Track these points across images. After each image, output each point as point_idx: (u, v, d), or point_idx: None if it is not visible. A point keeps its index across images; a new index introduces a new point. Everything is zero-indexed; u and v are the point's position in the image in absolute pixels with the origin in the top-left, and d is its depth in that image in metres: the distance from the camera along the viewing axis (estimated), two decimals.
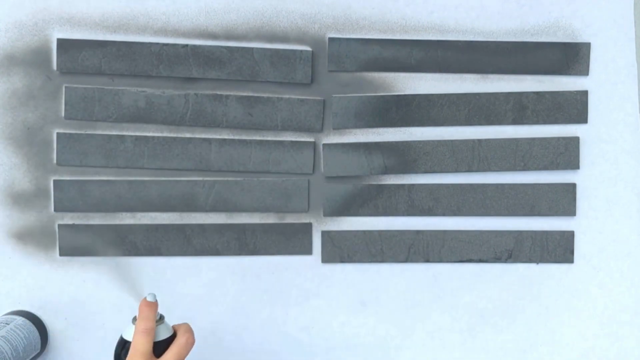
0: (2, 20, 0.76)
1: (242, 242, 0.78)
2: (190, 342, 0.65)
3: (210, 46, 0.76)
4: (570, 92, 0.78)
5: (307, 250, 0.78)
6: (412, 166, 0.78)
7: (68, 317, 0.78)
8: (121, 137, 0.77)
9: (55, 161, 0.77)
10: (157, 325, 0.65)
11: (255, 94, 0.77)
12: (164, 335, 0.65)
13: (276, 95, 0.77)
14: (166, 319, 0.66)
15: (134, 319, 0.65)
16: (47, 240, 0.77)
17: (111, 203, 0.77)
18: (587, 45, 0.78)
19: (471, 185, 0.79)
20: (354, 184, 0.78)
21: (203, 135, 0.77)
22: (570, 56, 0.78)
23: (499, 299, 0.80)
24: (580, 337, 0.80)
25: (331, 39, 0.77)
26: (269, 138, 0.78)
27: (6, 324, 0.73)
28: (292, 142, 0.77)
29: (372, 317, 0.80)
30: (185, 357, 0.64)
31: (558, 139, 0.78)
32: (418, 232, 0.79)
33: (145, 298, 0.65)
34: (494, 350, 0.80)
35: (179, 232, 0.78)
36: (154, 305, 0.65)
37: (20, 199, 0.77)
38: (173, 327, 0.66)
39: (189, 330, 0.66)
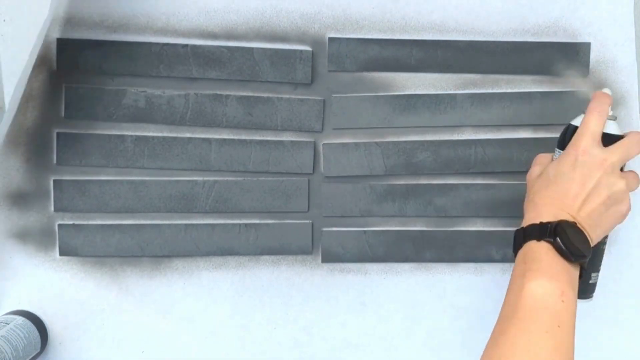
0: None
1: (242, 242, 0.78)
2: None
3: (210, 46, 0.76)
4: (570, 93, 0.78)
5: (307, 250, 0.78)
6: (412, 166, 0.78)
7: (68, 317, 0.78)
8: (121, 137, 0.77)
9: (55, 161, 0.77)
10: (609, 120, 0.64)
11: (255, 94, 0.77)
12: (613, 130, 0.64)
13: (276, 95, 0.77)
14: None
15: (584, 111, 0.65)
16: (47, 240, 0.77)
17: (111, 203, 0.77)
18: (587, 45, 0.78)
19: (471, 185, 0.79)
20: (354, 184, 0.78)
21: (203, 135, 0.77)
22: (570, 56, 0.78)
23: (499, 299, 0.80)
24: (580, 337, 0.80)
25: (331, 39, 0.77)
26: (269, 138, 0.78)
27: (6, 323, 0.73)
28: (292, 142, 0.77)
29: (372, 317, 0.80)
30: (633, 155, 0.63)
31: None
32: (418, 232, 0.79)
33: (601, 90, 0.65)
34: None
35: (179, 232, 0.78)
36: (609, 96, 0.64)
37: (20, 199, 0.77)
38: (624, 133, 0.65)
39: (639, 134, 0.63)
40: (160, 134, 0.77)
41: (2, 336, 0.71)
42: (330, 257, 0.79)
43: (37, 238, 0.77)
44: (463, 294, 0.80)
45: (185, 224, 0.78)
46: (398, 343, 0.80)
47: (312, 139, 0.78)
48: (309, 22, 0.77)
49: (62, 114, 0.76)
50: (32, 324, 0.75)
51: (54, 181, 0.77)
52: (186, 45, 0.76)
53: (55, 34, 0.76)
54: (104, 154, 0.77)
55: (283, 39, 0.77)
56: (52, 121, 0.76)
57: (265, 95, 0.77)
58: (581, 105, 0.78)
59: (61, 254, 0.77)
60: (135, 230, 0.77)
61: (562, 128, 0.79)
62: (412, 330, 0.80)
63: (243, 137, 0.78)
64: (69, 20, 0.76)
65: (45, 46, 0.76)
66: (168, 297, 0.78)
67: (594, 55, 0.78)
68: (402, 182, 0.79)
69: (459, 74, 0.78)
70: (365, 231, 0.79)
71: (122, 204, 0.77)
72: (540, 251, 0.59)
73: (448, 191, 0.79)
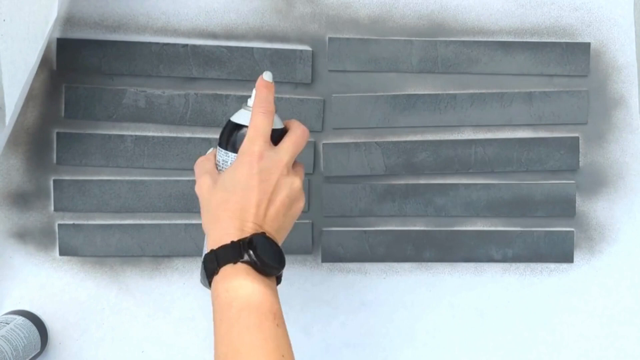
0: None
1: None
2: (306, 134, 0.60)
3: (210, 46, 0.76)
4: (570, 92, 0.78)
5: (307, 250, 0.78)
6: (412, 166, 0.78)
7: (68, 317, 0.78)
8: (121, 137, 0.77)
9: (55, 161, 0.77)
10: None
11: None
12: (278, 125, 0.60)
13: (276, 95, 0.77)
14: None
15: (245, 105, 0.61)
16: (47, 239, 0.77)
17: (111, 203, 0.77)
18: (587, 45, 0.78)
19: (471, 185, 0.79)
20: (354, 184, 0.78)
21: (203, 135, 0.77)
22: (570, 56, 0.78)
23: (499, 299, 0.80)
24: (580, 337, 0.80)
25: (331, 39, 0.77)
26: None
27: (6, 323, 0.73)
28: None
29: (372, 317, 0.80)
30: (301, 149, 0.60)
31: (558, 138, 0.78)
32: (418, 232, 0.79)
33: (261, 77, 0.60)
34: (494, 350, 0.80)
35: (179, 232, 0.78)
36: (272, 86, 0.60)
37: (20, 199, 0.77)
38: (284, 122, 0.62)
39: (302, 124, 0.61)
40: (160, 134, 0.77)
41: (2, 336, 0.71)
42: (330, 257, 0.79)
43: (37, 238, 0.77)
44: (463, 293, 0.80)
45: (185, 224, 0.78)
46: (398, 343, 0.80)
47: (312, 139, 0.78)
48: (308, 22, 0.77)
49: (62, 113, 0.76)
50: (32, 324, 0.75)
51: (54, 181, 0.77)
52: (186, 45, 0.76)
53: (55, 34, 0.76)
54: (104, 153, 0.77)
55: (283, 38, 0.77)
56: (52, 121, 0.76)
57: None
58: (580, 105, 0.78)
59: (61, 253, 0.77)
60: (135, 230, 0.78)
61: (562, 128, 0.79)
62: (412, 330, 0.80)
63: None
64: (69, 20, 0.76)
65: (45, 46, 0.76)
66: (168, 297, 0.79)
67: (593, 55, 0.78)
68: (402, 182, 0.79)
69: (459, 74, 0.78)
70: (365, 231, 0.79)
71: (122, 203, 0.77)
72: (239, 275, 0.54)
73: (448, 191, 0.79)
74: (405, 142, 0.78)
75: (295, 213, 0.60)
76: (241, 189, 0.57)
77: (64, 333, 0.78)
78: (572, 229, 0.79)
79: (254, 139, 0.58)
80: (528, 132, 0.79)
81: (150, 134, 0.77)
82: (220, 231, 0.56)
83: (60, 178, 0.77)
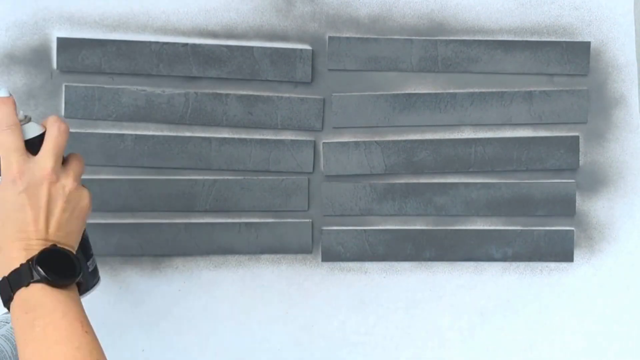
0: (3, 19, 0.76)
1: (242, 241, 0.78)
2: (64, 129, 0.57)
3: (210, 45, 0.76)
4: (570, 92, 0.78)
5: (307, 249, 0.78)
6: (412, 165, 0.78)
7: None
8: (121, 136, 0.77)
9: None
10: (24, 124, 0.57)
11: (255, 93, 0.77)
12: (34, 133, 0.57)
13: (276, 94, 0.77)
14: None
15: None
16: None
17: (111, 202, 0.77)
18: (587, 45, 0.78)
19: (471, 184, 0.79)
20: (354, 183, 0.78)
21: (203, 134, 0.77)
22: (570, 55, 0.78)
23: (499, 299, 0.80)
24: (580, 336, 0.80)
25: (331, 38, 0.77)
26: (269, 137, 0.78)
27: (6, 322, 0.73)
28: (292, 140, 0.77)
29: (372, 316, 0.80)
30: (64, 146, 0.57)
31: (558, 138, 0.78)
32: (418, 231, 0.79)
33: None
34: (494, 350, 0.80)
35: (179, 231, 0.78)
36: (9, 100, 0.56)
37: None
38: (42, 124, 0.58)
39: (58, 120, 0.57)
40: (160, 133, 0.77)
41: (2, 335, 0.71)
42: (330, 256, 0.79)
43: None
44: (463, 292, 0.80)
45: (186, 223, 0.78)
46: (398, 342, 0.80)
47: (312, 138, 0.78)
48: (308, 21, 0.77)
49: (62, 113, 0.76)
50: None
51: None
52: (186, 44, 0.76)
53: (55, 33, 0.76)
54: (104, 152, 0.77)
55: (283, 37, 0.77)
56: None
57: (265, 94, 0.77)
58: (580, 105, 0.78)
59: None
60: (135, 229, 0.78)
61: (562, 127, 0.79)
62: (411, 329, 0.80)
63: (243, 136, 0.78)
64: (69, 20, 0.76)
65: (45, 45, 0.76)
66: (168, 296, 0.79)
67: (594, 54, 0.78)
68: (402, 181, 0.79)
69: (459, 73, 0.78)
70: (365, 230, 0.79)
71: (122, 203, 0.77)
72: (35, 295, 0.53)
73: (448, 190, 0.79)
74: (405, 141, 0.78)
75: (81, 213, 0.58)
76: (13, 211, 0.55)
77: None
78: (572, 228, 0.79)
79: (8, 157, 0.55)
80: (528, 131, 0.79)
81: (150, 133, 0.77)
82: (6, 257, 0.55)
83: None
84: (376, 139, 0.78)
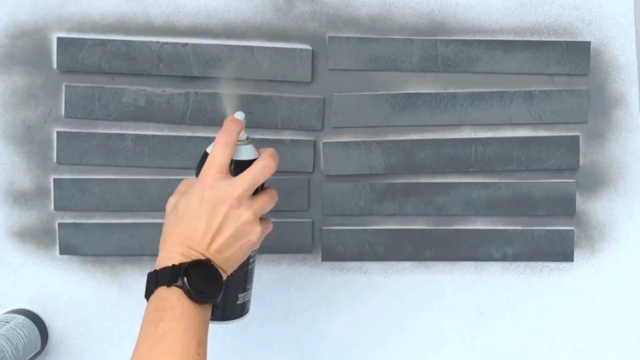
0: (3, 19, 0.76)
1: None
2: (270, 167, 0.60)
3: (210, 45, 0.76)
4: (570, 91, 0.78)
5: (307, 249, 0.78)
6: (412, 165, 0.78)
7: (68, 316, 0.78)
8: (121, 136, 0.77)
9: (55, 160, 0.77)
10: (241, 145, 0.61)
11: (256, 93, 0.77)
12: (246, 156, 0.61)
13: (276, 94, 0.77)
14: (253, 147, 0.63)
15: None
16: (47, 238, 0.77)
17: (111, 202, 0.77)
18: (587, 44, 0.78)
19: (471, 184, 0.79)
20: (354, 183, 0.78)
21: (203, 134, 0.77)
22: (570, 55, 0.78)
23: (499, 299, 0.80)
24: (580, 336, 0.80)
25: (331, 38, 0.77)
26: (269, 137, 0.78)
27: (6, 322, 0.73)
28: (292, 140, 0.77)
29: (372, 316, 0.80)
30: (261, 181, 0.60)
31: (558, 138, 0.78)
32: (418, 231, 0.79)
33: (232, 115, 0.62)
34: (494, 350, 0.80)
35: None
36: (240, 122, 0.61)
37: (21, 198, 0.77)
38: (259, 151, 0.62)
39: (272, 155, 0.61)
40: (160, 133, 0.77)
41: (2, 335, 0.71)
42: (330, 256, 0.79)
43: (37, 237, 0.77)
44: (463, 292, 0.80)
45: None
46: (398, 342, 0.80)
47: (312, 138, 0.78)
48: (309, 21, 0.77)
49: (63, 112, 0.76)
50: (32, 323, 0.75)
51: (54, 180, 0.77)
52: (186, 44, 0.76)
53: (55, 33, 0.76)
54: (104, 152, 0.77)
55: (283, 37, 0.77)
56: (52, 120, 0.77)
57: (265, 94, 0.77)
58: (580, 104, 0.78)
59: (61, 252, 0.77)
60: (135, 229, 0.78)
61: (562, 127, 0.79)
62: (412, 329, 0.80)
63: None
64: (69, 20, 0.76)
65: (45, 45, 0.76)
66: None
67: (594, 54, 0.78)
68: (402, 180, 0.79)
69: (459, 73, 0.78)
70: (365, 230, 0.79)
71: (123, 202, 0.77)
72: (172, 298, 0.56)
73: (448, 190, 0.79)
74: (405, 141, 0.78)
75: (246, 245, 0.60)
76: (189, 217, 0.59)
77: (64, 332, 0.78)
78: (572, 228, 0.79)
79: (208, 169, 0.59)
80: (528, 131, 0.79)
81: (151, 133, 0.77)
82: (165, 253, 0.59)
83: (61, 177, 0.77)
84: (376, 139, 0.78)
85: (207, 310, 0.59)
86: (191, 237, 0.58)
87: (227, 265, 0.60)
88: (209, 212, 0.58)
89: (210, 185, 0.58)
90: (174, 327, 0.55)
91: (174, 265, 0.57)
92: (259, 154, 0.62)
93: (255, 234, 0.60)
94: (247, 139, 0.62)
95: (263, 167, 0.60)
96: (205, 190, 0.58)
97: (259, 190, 0.62)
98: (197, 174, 0.62)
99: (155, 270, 0.58)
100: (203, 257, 0.58)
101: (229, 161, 0.60)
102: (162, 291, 0.57)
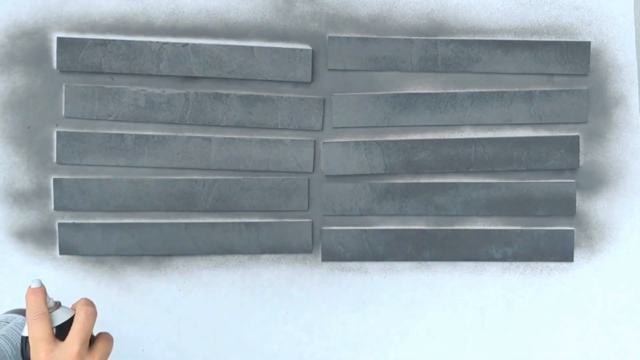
0: (3, 19, 0.76)
1: (242, 241, 0.78)
2: (90, 313, 0.60)
3: (210, 45, 0.76)
4: (570, 92, 0.78)
5: (307, 249, 0.79)
6: (412, 165, 0.78)
7: None
8: (121, 136, 0.77)
9: (55, 160, 0.77)
10: (52, 312, 0.60)
11: (256, 93, 0.77)
12: (63, 318, 0.61)
13: (276, 94, 0.77)
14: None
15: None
16: (47, 238, 0.77)
17: (111, 202, 0.77)
18: (587, 45, 0.78)
19: (471, 184, 0.79)
20: (354, 183, 0.78)
21: (203, 134, 0.77)
22: (570, 55, 0.78)
23: (499, 299, 0.80)
24: (580, 336, 0.80)
25: (331, 38, 0.77)
26: (269, 137, 0.78)
27: (6, 322, 0.73)
28: (292, 140, 0.78)
29: (372, 316, 0.80)
30: (91, 330, 0.60)
31: (558, 138, 0.78)
32: (418, 231, 0.79)
33: (29, 287, 0.61)
34: (494, 350, 0.80)
35: (179, 231, 0.78)
36: (40, 290, 0.61)
37: (21, 198, 0.77)
38: (72, 306, 0.62)
39: (87, 303, 0.61)
40: (160, 133, 0.77)
41: (2, 335, 0.71)
42: (330, 256, 0.79)
43: (37, 237, 0.77)
44: (463, 292, 0.80)
45: (186, 223, 0.78)
46: (398, 341, 0.80)
47: (312, 138, 0.78)
48: (309, 21, 0.77)
49: (63, 112, 0.76)
50: None
51: (54, 180, 0.77)
52: (186, 44, 0.76)
53: (55, 33, 0.76)
54: (104, 152, 0.77)
55: (283, 37, 0.77)
56: (52, 120, 0.77)
57: (265, 94, 0.77)
58: (580, 104, 0.78)
59: (61, 252, 0.77)
60: (135, 229, 0.78)
61: (562, 127, 0.79)
62: (412, 329, 0.80)
63: (243, 135, 0.78)
64: (69, 19, 0.76)
65: (45, 45, 0.76)
66: (168, 296, 0.79)
67: (594, 54, 0.78)
68: (402, 180, 0.79)
69: (459, 73, 0.78)
70: (365, 230, 0.79)
71: (122, 202, 0.77)
72: None
73: (448, 190, 0.79)
74: (405, 141, 0.78)
75: None
76: None
77: None
78: (572, 228, 0.79)
79: (36, 346, 0.59)
80: (528, 131, 0.79)
81: (150, 132, 0.77)
82: None
83: (61, 177, 0.77)
84: (376, 139, 0.78)
85: None
86: None
87: None
88: None
89: (47, 358, 0.58)
90: None
91: None
92: (73, 309, 0.62)
93: None
94: (55, 303, 0.62)
95: (86, 318, 0.60)
96: None
97: (92, 339, 0.62)
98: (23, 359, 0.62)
99: None
100: None
101: (50, 331, 0.59)
102: None
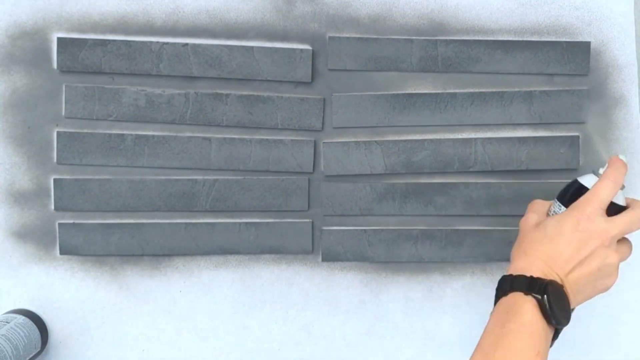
0: (3, 19, 0.76)
1: (242, 241, 0.78)
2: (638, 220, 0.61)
3: (210, 45, 0.76)
4: (570, 92, 0.78)
5: (307, 249, 0.78)
6: (412, 165, 0.78)
7: (68, 316, 0.78)
8: (121, 136, 0.77)
9: (55, 160, 0.77)
10: (619, 189, 0.62)
11: (256, 93, 0.77)
12: (621, 201, 0.62)
13: (276, 94, 0.77)
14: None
15: (596, 171, 0.64)
16: (48, 239, 0.77)
17: (111, 202, 0.77)
18: (587, 45, 0.78)
19: (471, 184, 0.79)
20: (354, 183, 0.78)
21: (203, 134, 0.77)
22: (570, 55, 0.78)
23: None
24: (580, 336, 0.80)
25: (331, 38, 0.77)
26: (269, 137, 0.78)
27: (6, 322, 0.73)
28: (292, 140, 0.78)
29: (372, 316, 0.80)
30: (634, 230, 0.61)
31: (558, 138, 0.78)
32: (418, 231, 0.79)
33: (618, 156, 0.63)
34: None
35: (179, 231, 0.78)
36: (626, 166, 0.63)
37: (21, 198, 0.77)
38: (627, 200, 0.63)
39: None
40: (160, 133, 0.77)
41: (2, 335, 0.71)
42: (330, 256, 0.79)
43: (37, 237, 0.77)
44: (463, 293, 0.80)
45: (186, 223, 0.78)
46: (398, 342, 0.80)
47: (312, 138, 0.78)
48: (309, 21, 0.77)
49: (63, 113, 0.77)
50: (32, 323, 0.75)
51: (55, 180, 0.77)
52: (186, 44, 0.76)
53: (55, 33, 0.76)
54: (104, 152, 0.77)
55: (283, 37, 0.77)
56: (52, 120, 0.77)
57: (265, 94, 0.77)
58: (580, 104, 0.78)
59: (61, 252, 0.77)
60: (135, 229, 0.78)
61: (562, 127, 0.79)
62: (411, 330, 0.80)
63: (243, 135, 0.78)
64: (69, 20, 0.76)
65: (45, 45, 0.76)
66: (168, 296, 0.79)
67: (594, 54, 0.78)
68: (402, 181, 0.79)
69: (459, 73, 0.78)
70: (365, 230, 0.79)
71: (123, 202, 0.77)
72: (525, 305, 0.58)
73: (448, 190, 0.79)
74: (405, 141, 0.78)
75: (601, 287, 0.61)
76: (558, 239, 0.60)
77: (64, 332, 0.78)
78: None
79: (590, 201, 0.61)
80: (528, 131, 0.79)
81: (151, 132, 0.77)
82: (524, 264, 0.61)
83: (61, 177, 0.77)
84: (376, 138, 0.78)
85: (551, 332, 0.60)
86: (554, 259, 0.60)
87: (575, 299, 0.61)
88: (579, 241, 0.59)
89: (589, 216, 0.60)
90: (519, 330, 0.57)
91: (532, 277, 0.59)
92: (628, 205, 0.63)
93: (613, 278, 0.61)
94: (622, 185, 0.63)
95: (637, 218, 0.61)
96: (582, 219, 0.60)
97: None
98: (560, 199, 0.64)
99: (510, 275, 0.60)
100: (560, 282, 0.60)
101: (610, 200, 0.61)
102: (517, 296, 0.59)
